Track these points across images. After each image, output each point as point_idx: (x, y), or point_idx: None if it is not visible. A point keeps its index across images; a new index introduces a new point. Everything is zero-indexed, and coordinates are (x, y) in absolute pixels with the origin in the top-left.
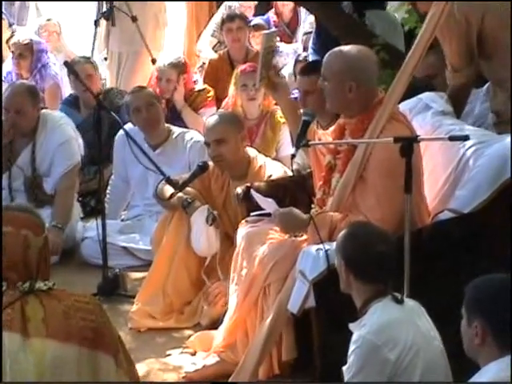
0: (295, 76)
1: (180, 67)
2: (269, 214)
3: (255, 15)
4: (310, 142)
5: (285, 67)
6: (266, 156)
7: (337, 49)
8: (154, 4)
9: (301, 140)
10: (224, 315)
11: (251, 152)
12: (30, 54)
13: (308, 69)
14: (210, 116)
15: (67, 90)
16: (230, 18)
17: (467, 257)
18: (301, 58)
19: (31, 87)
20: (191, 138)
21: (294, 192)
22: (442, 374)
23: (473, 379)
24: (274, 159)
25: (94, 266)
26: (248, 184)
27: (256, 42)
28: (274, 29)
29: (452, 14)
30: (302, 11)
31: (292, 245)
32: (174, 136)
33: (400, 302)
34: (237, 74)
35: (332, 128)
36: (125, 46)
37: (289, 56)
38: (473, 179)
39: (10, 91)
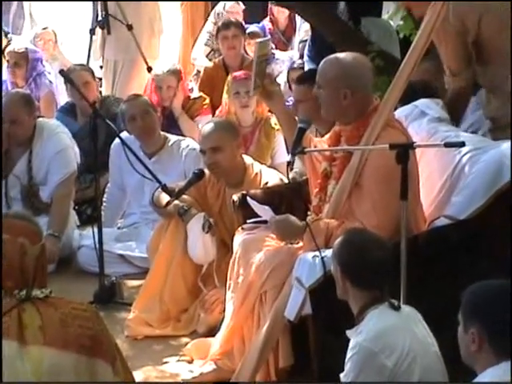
0: (289, 84)
1: (177, 74)
2: (265, 222)
3: (246, 21)
4: (306, 149)
5: (280, 75)
6: (262, 163)
7: (331, 56)
8: (149, 12)
9: (297, 147)
10: (221, 323)
11: (247, 159)
12: (25, 62)
13: (303, 78)
14: (205, 124)
15: (63, 98)
16: (226, 25)
17: (463, 263)
18: (295, 66)
19: (26, 96)
20: (187, 146)
21: (290, 199)
22: (439, 379)
23: None
24: (269, 166)
25: (91, 274)
26: (244, 191)
27: (251, 50)
28: (268, 37)
29: (447, 18)
30: (298, 19)
31: (288, 252)
32: (169, 144)
33: (396, 308)
34: (229, 82)
35: (328, 135)
36: (120, 54)
37: (284, 63)
38: (469, 186)
39: (6, 100)
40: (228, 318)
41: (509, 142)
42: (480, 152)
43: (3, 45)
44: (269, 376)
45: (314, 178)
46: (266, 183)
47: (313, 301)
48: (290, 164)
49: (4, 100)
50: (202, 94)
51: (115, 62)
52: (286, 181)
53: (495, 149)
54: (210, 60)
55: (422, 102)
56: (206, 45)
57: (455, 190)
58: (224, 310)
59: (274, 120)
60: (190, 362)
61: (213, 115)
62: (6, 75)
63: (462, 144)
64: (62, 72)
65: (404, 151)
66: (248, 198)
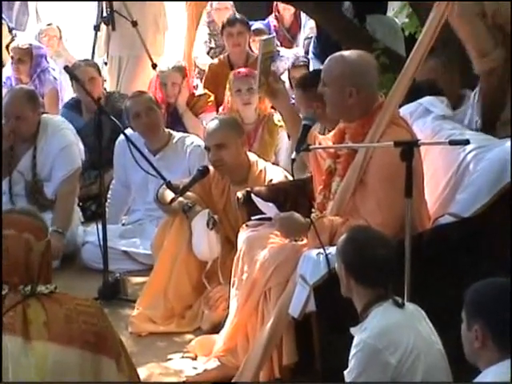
0: (290, 82)
1: (182, 71)
2: (269, 219)
3: (251, 19)
4: (311, 147)
5: (285, 72)
6: (265, 160)
7: (337, 54)
8: (154, 8)
9: (301, 144)
10: (225, 319)
11: (252, 157)
12: (29, 58)
13: (301, 83)
14: (210, 121)
15: (67, 94)
16: (231, 22)
17: (467, 260)
18: (296, 64)
19: (31, 92)
20: (191, 143)
21: (294, 196)
22: (442, 377)
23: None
24: (273, 163)
25: (95, 271)
26: (248, 188)
27: (256, 47)
28: (273, 34)
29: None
30: (303, 16)
31: (293, 249)
32: (174, 141)
33: (401, 306)
34: (230, 79)
35: (332, 132)
36: (125, 51)
37: (289, 60)
38: (473, 183)
39: (10, 96)
40: (232, 315)
41: None
42: (485, 150)
43: (8, 41)
44: (272, 373)
45: (319, 175)
46: (271, 180)
47: (317, 298)
48: (294, 161)
49: (8, 96)
50: (206, 91)
51: (120, 58)
52: (291, 178)
53: (500, 147)
54: (212, 58)
55: (426, 100)
56: (205, 43)
57: (460, 188)
58: (228, 307)
59: (277, 117)
60: (194, 358)
61: (217, 112)
62: (10, 71)
63: (467, 142)
64: (66, 68)
65: (409, 149)
66: (252, 195)
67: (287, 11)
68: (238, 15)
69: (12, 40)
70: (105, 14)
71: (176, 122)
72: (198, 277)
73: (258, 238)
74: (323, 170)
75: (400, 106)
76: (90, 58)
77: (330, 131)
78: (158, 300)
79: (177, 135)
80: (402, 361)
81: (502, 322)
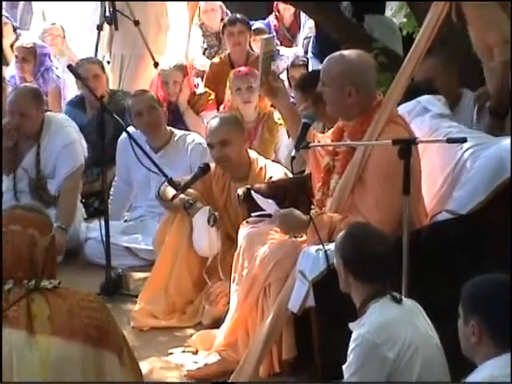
0: (289, 81)
1: (183, 69)
2: (269, 215)
3: (251, 18)
4: (311, 144)
5: (284, 71)
6: (265, 158)
7: (336, 54)
8: (156, 8)
9: (301, 142)
10: (225, 314)
11: (252, 154)
12: (33, 57)
13: (300, 84)
14: (212, 118)
15: (70, 92)
16: (232, 22)
17: (464, 257)
18: (295, 63)
19: (35, 90)
20: (192, 141)
21: (294, 193)
22: (439, 372)
23: (469, 378)
24: (273, 160)
25: (98, 266)
26: (249, 185)
27: (257, 46)
28: (273, 33)
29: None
30: (303, 16)
31: (292, 245)
32: (175, 138)
33: (398, 301)
34: (231, 78)
35: (331, 131)
36: (127, 49)
37: (289, 59)
38: (470, 181)
39: (15, 94)
40: (232, 310)
41: (508, 138)
42: (481, 148)
43: (12, 40)
44: (272, 367)
45: (317, 172)
46: (271, 177)
47: (316, 293)
48: (293, 159)
49: (13, 94)
50: (207, 89)
51: (122, 56)
52: (290, 175)
53: (496, 144)
54: (208, 57)
55: (424, 99)
56: (201, 46)
57: (457, 185)
58: (228, 302)
59: (276, 115)
60: (195, 353)
61: (218, 110)
62: (14, 70)
63: (464, 140)
64: (69, 67)
65: (407, 147)
66: (253, 191)
67: (287, 11)
68: (238, 15)
69: (16, 39)
70: (108, 14)
71: (177, 120)
72: (198, 272)
73: (258, 234)
74: (322, 167)
75: (398, 105)
76: (92, 56)
77: (329, 129)
78: (159, 295)
79: (178, 133)
80: (400, 355)
81: (498, 317)
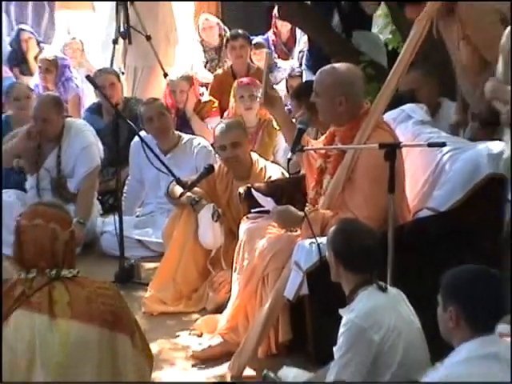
0: (287, 89)
1: (190, 80)
2: (268, 212)
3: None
4: (305, 148)
5: (282, 81)
6: (265, 159)
7: (327, 67)
8: (166, 24)
9: (296, 146)
10: (227, 301)
11: (253, 156)
12: (55, 68)
13: (296, 93)
14: (219, 123)
15: (88, 100)
16: (234, 36)
17: (444, 250)
18: (293, 74)
19: (56, 98)
20: (198, 144)
21: (290, 192)
22: (421, 354)
23: (447, 359)
24: (272, 162)
25: (112, 257)
26: (249, 184)
27: (257, 59)
28: (272, 48)
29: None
30: (298, 32)
31: (288, 239)
32: (183, 142)
33: (384, 289)
34: (234, 87)
35: (323, 137)
36: (140, 61)
37: (286, 71)
38: (449, 181)
39: (38, 102)
40: (234, 297)
41: (484, 143)
42: (459, 151)
43: (36, 53)
44: (270, 349)
45: (311, 173)
46: (270, 177)
47: (309, 282)
48: (290, 160)
49: (37, 101)
50: (211, 97)
51: (135, 68)
52: (287, 175)
53: (473, 149)
54: (209, 70)
55: (408, 107)
56: (202, 61)
57: (437, 185)
58: (230, 290)
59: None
60: (200, 335)
61: (221, 117)
62: (38, 80)
63: (444, 144)
64: (88, 77)
65: (392, 150)
66: (253, 190)
67: (284, 27)
68: (240, 30)
69: (40, 52)
70: (122, 29)
71: (184, 125)
72: (203, 263)
73: (258, 228)
74: (315, 168)
75: (384, 112)
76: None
77: (322, 134)
78: (168, 283)
79: (185, 137)
80: (385, 339)
81: (474, 304)
